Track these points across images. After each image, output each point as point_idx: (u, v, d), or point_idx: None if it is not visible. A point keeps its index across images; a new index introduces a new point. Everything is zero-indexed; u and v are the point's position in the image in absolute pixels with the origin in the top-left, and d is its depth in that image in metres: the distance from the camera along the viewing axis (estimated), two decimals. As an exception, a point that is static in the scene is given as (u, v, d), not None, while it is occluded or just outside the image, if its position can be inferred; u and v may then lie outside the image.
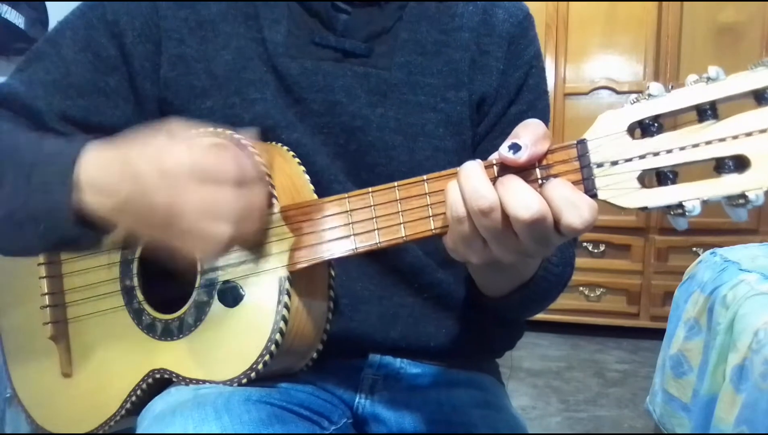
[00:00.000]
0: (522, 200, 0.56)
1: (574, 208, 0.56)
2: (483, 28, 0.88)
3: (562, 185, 0.57)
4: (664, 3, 3.63)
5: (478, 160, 0.60)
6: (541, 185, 0.58)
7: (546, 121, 0.92)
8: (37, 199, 0.67)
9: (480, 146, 0.90)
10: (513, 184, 0.57)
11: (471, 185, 0.58)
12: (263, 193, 0.67)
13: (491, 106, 0.89)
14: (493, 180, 0.59)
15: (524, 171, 0.59)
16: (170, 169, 0.61)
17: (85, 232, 0.68)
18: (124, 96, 0.85)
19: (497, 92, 0.89)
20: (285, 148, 0.79)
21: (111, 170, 0.65)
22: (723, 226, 3.32)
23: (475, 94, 0.88)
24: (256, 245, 0.70)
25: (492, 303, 0.83)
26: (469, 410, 0.86)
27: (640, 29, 3.70)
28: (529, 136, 0.58)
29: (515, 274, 0.77)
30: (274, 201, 0.70)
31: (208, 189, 0.61)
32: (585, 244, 3.75)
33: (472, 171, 0.59)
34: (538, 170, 0.58)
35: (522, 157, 0.58)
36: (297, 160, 0.77)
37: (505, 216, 0.57)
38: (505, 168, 0.59)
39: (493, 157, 0.61)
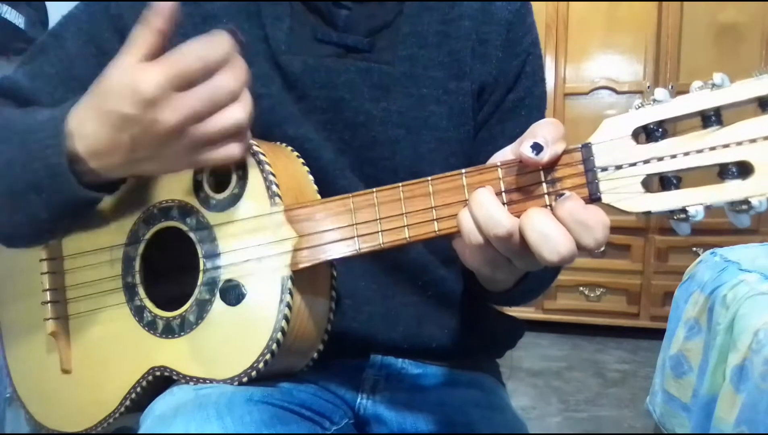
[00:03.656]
0: (547, 243, 0.55)
1: (589, 231, 0.55)
2: (482, 15, 0.88)
3: (576, 208, 0.56)
4: (664, 3, 3.64)
5: (489, 187, 0.60)
6: (550, 194, 0.58)
7: (543, 107, 0.93)
8: (35, 165, 0.66)
9: (479, 135, 0.90)
10: (535, 220, 0.56)
11: (484, 212, 0.58)
12: (240, 65, 0.64)
13: (490, 94, 0.89)
14: (498, 193, 0.59)
15: (530, 173, 0.59)
16: (153, 96, 0.60)
17: (90, 192, 0.68)
18: None
19: (496, 80, 0.89)
20: (289, 148, 0.79)
21: (102, 128, 0.64)
22: (723, 226, 3.31)
23: (476, 83, 0.88)
24: (259, 238, 0.70)
25: (494, 297, 0.83)
26: (470, 410, 0.86)
27: (640, 29, 3.70)
28: (549, 135, 0.57)
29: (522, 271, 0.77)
30: (278, 200, 0.70)
31: (200, 87, 0.61)
32: (585, 243, 3.75)
33: (484, 198, 0.58)
34: (542, 173, 0.58)
35: (544, 157, 0.57)
36: (301, 160, 0.77)
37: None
38: (511, 180, 0.60)
39: (497, 160, 0.61)
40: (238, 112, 0.63)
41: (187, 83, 0.61)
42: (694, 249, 3.53)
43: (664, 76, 3.63)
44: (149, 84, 0.60)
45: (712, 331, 2.02)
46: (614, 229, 3.67)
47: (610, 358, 3.48)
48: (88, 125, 0.65)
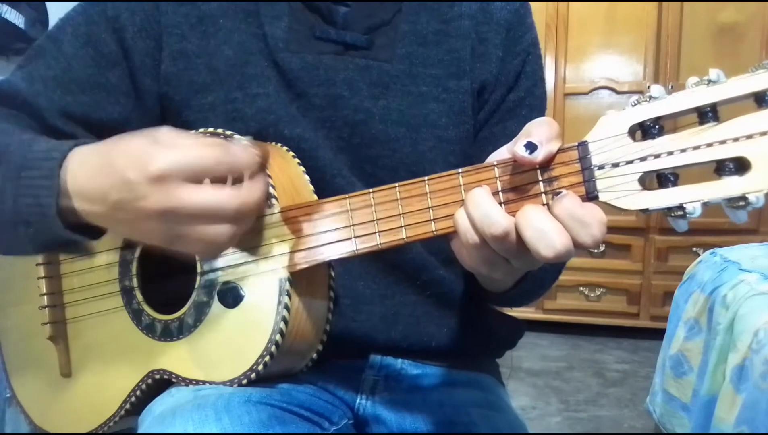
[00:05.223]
0: (543, 238, 0.55)
1: (586, 228, 0.55)
2: (481, 15, 0.89)
3: (573, 205, 0.56)
4: (664, 3, 3.64)
5: (485, 187, 0.59)
6: (546, 193, 0.58)
7: (543, 107, 0.93)
8: (26, 202, 0.65)
9: (479, 134, 0.90)
10: (531, 216, 0.56)
11: (480, 212, 0.58)
12: (260, 186, 0.62)
13: (491, 93, 0.89)
14: (495, 193, 0.59)
15: (527, 172, 0.59)
16: (159, 173, 0.58)
17: (75, 235, 0.66)
18: (124, 91, 0.85)
19: (497, 80, 0.89)
20: (285, 148, 0.79)
21: (98, 178, 0.62)
22: (723, 226, 3.32)
23: (476, 83, 0.88)
24: (256, 241, 0.70)
25: (495, 297, 0.83)
26: (470, 410, 0.86)
27: (640, 29, 3.71)
28: (543, 135, 0.57)
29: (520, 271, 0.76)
30: (275, 201, 0.70)
31: (202, 190, 0.59)
32: (585, 243, 3.75)
33: (480, 198, 0.58)
34: (539, 172, 0.58)
35: (538, 156, 0.57)
36: (297, 160, 0.77)
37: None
38: (507, 179, 0.59)
39: (493, 159, 0.61)
40: (221, 235, 0.60)
41: (198, 180, 0.59)
42: (694, 249, 3.53)
43: (664, 75, 3.63)
44: (159, 163, 0.58)
45: (712, 331, 2.01)
46: (614, 229, 3.67)
47: (610, 358, 3.48)
48: (86, 168, 0.63)
